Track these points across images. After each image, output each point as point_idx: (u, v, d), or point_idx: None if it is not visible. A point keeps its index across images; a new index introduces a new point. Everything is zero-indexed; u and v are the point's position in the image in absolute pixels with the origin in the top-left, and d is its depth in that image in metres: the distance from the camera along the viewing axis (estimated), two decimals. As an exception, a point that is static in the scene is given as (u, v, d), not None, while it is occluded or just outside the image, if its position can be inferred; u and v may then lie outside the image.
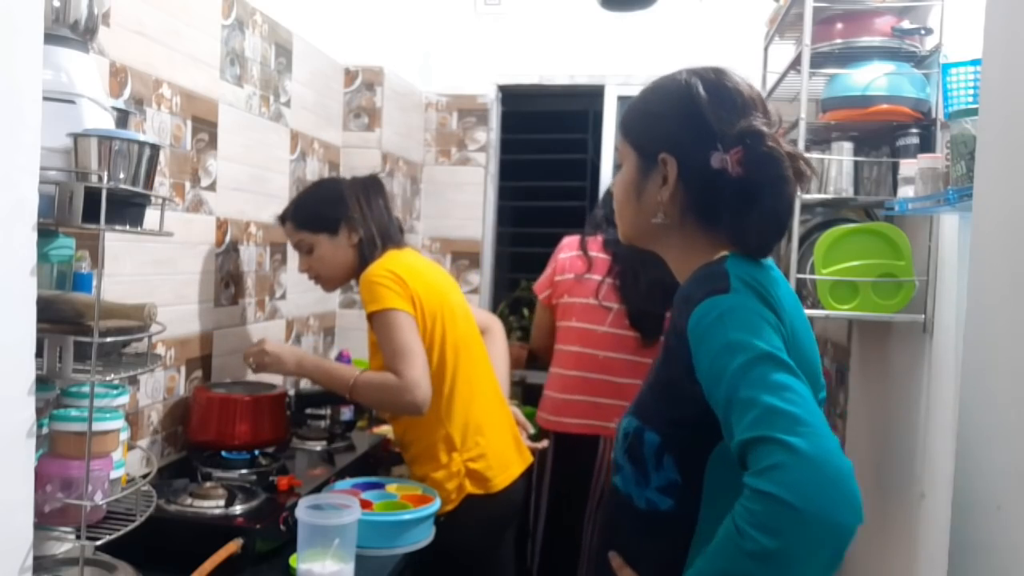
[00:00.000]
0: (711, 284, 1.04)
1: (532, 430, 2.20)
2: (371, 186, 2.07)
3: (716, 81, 1.13)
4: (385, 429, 2.54)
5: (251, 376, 2.29)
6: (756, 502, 0.87)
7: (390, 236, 2.02)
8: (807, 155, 2.09)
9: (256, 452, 1.97)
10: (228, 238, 2.17)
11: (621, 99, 3.32)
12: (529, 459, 2.07)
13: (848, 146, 2.20)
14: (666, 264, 1.20)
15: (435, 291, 1.94)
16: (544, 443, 2.20)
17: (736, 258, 1.08)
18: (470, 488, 1.90)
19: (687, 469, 1.06)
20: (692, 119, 1.10)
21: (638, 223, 1.18)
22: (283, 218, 2.09)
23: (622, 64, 3.30)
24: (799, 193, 2.10)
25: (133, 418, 1.78)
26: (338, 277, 2.04)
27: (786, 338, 1.00)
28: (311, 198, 2.07)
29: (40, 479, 1.13)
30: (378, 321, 1.84)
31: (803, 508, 0.84)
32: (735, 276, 1.03)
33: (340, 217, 1.98)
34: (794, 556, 0.85)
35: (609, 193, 1.28)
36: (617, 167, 1.25)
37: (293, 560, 1.51)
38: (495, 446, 1.97)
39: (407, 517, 1.70)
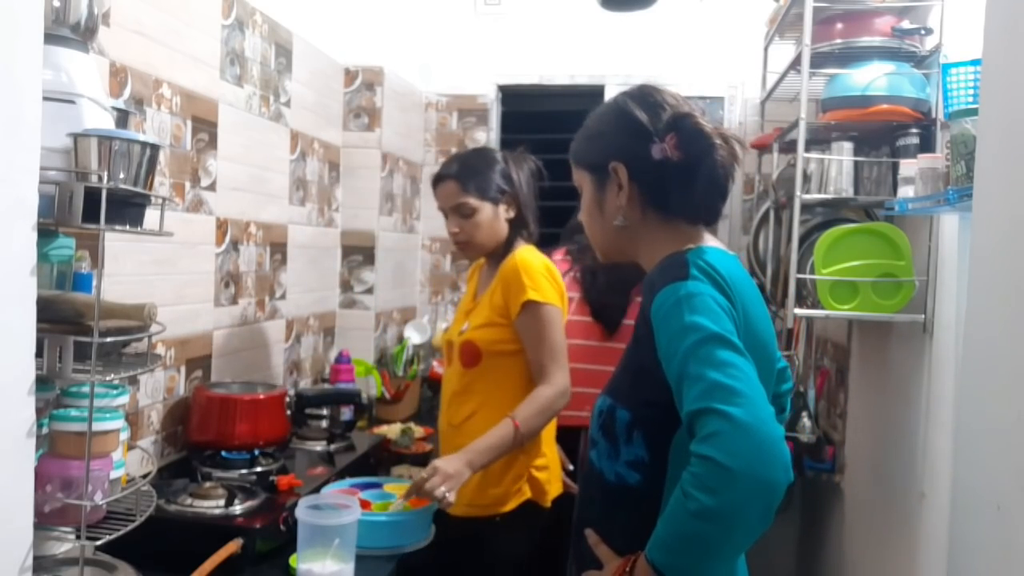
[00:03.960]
0: (672, 272, 1.15)
1: (571, 466, 2.17)
2: (526, 163, 2.03)
3: (642, 92, 1.26)
4: (385, 429, 2.54)
5: (250, 378, 2.29)
6: (698, 466, 1.00)
7: (534, 221, 2.02)
8: (807, 155, 2.13)
9: (256, 452, 1.97)
10: (228, 238, 2.17)
11: (621, 99, 3.32)
12: (561, 489, 2.03)
13: (848, 146, 2.20)
14: (628, 265, 1.30)
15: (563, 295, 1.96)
16: (574, 488, 2.16)
17: (698, 250, 1.20)
18: (529, 495, 1.89)
19: (654, 447, 1.16)
20: (628, 126, 1.23)
21: (607, 234, 1.29)
22: (444, 177, 1.99)
23: (622, 64, 3.30)
24: (799, 195, 2.11)
25: (133, 418, 1.78)
26: (487, 247, 1.98)
27: (738, 321, 1.12)
28: (479, 163, 2.00)
29: (40, 479, 1.13)
30: (537, 312, 1.84)
31: (736, 469, 0.97)
32: (693, 264, 1.15)
33: (506, 189, 1.96)
34: (730, 512, 0.98)
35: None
36: (579, 199, 1.35)
37: (293, 560, 1.51)
38: (553, 463, 1.97)
39: (407, 517, 1.70)
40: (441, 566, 1.84)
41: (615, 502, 1.20)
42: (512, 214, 1.97)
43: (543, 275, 1.87)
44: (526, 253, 1.92)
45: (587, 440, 2.30)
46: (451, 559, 1.84)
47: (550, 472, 1.94)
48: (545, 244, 2.58)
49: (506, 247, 1.95)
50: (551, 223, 2.71)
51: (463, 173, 1.96)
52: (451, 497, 1.70)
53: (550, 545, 2.14)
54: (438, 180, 2.01)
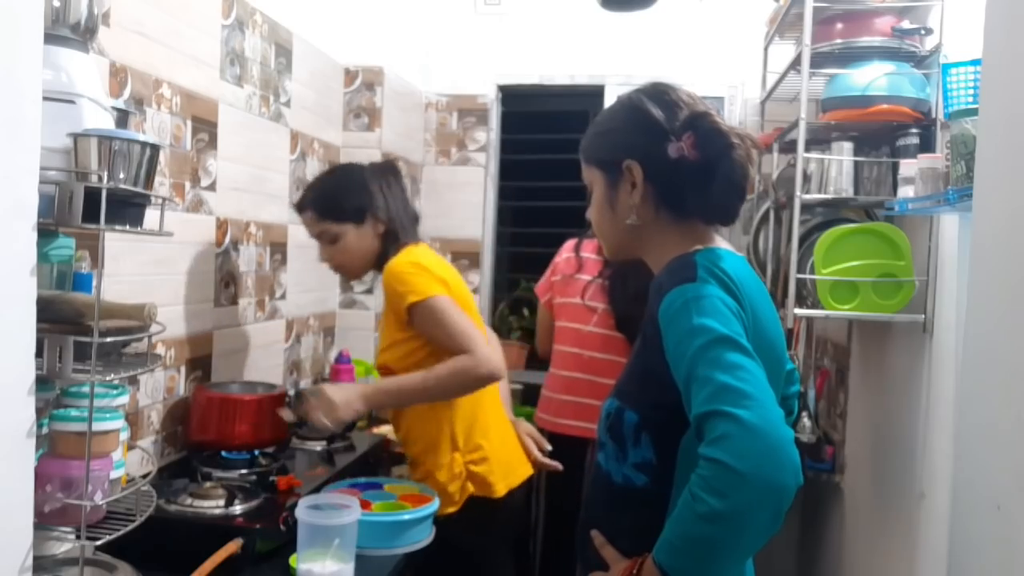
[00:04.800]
0: (680, 274, 1.14)
1: (549, 447, 2.16)
2: (390, 172, 2.02)
3: (656, 89, 1.24)
4: (385, 429, 2.54)
5: (250, 378, 2.29)
6: (706, 469, 0.99)
7: (407, 226, 1.98)
8: (807, 155, 2.13)
9: (256, 452, 1.97)
10: (228, 238, 2.17)
11: (621, 99, 3.32)
12: (530, 471, 2.04)
13: (848, 146, 2.20)
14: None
15: (455, 285, 1.93)
16: (557, 465, 2.16)
17: (706, 251, 1.18)
18: (472, 490, 1.89)
19: (662, 449, 1.15)
20: (643, 123, 1.21)
21: (617, 233, 1.27)
22: (301, 207, 1.99)
23: (622, 64, 3.30)
24: (799, 195, 2.11)
25: (133, 418, 1.78)
26: (362, 267, 1.98)
27: (747, 324, 1.11)
28: (333, 186, 1.99)
29: (40, 479, 1.13)
30: (424, 309, 1.80)
31: (745, 471, 0.96)
32: (702, 266, 1.14)
33: (366, 207, 1.93)
34: (739, 515, 0.97)
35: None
36: (588, 196, 1.33)
37: (293, 560, 1.51)
38: (498, 452, 1.96)
39: (407, 517, 1.70)
40: (441, 566, 1.84)
41: (622, 504, 1.20)
42: (382, 228, 1.94)
43: (412, 273, 1.83)
44: (393, 262, 1.88)
45: (595, 451, 2.31)
46: (447, 561, 1.84)
47: (491, 463, 1.92)
48: (550, 244, 2.60)
49: (384, 261, 1.91)
50: (551, 223, 2.73)
51: (317, 200, 1.96)
52: (327, 421, 1.74)
53: (554, 546, 2.14)
54: (298, 210, 2.01)
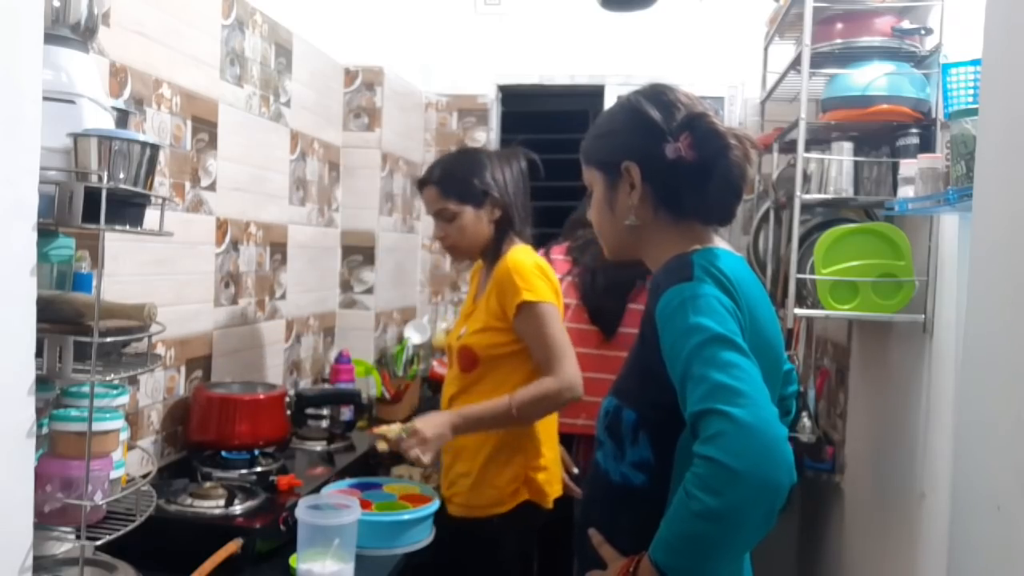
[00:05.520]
0: (677, 273, 1.15)
1: (575, 469, 2.17)
2: (516, 160, 2.03)
3: (655, 91, 1.25)
4: (385, 429, 2.53)
5: (250, 378, 2.29)
6: (701, 467, 1.00)
7: (523, 216, 2.00)
8: (807, 155, 2.13)
9: (256, 452, 1.97)
10: (228, 238, 2.17)
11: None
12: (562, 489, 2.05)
13: (848, 146, 2.20)
14: (625, 264, 1.30)
15: (559, 302, 1.94)
16: (578, 492, 2.17)
17: (704, 251, 1.19)
18: (527, 496, 1.89)
19: (660, 448, 1.15)
20: (641, 125, 1.23)
21: (617, 234, 1.28)
22: (425, 182, 2.00)
23: (622, 64, 3.30)
24: (799, 195, 2.11)
25: (133, 418, 1.78)
26: (473, 249, 1.99)
27: (743, 323, 1.11)
28: (460, 167, 1.99)
29: (40, 479, 1.13)
30: (534, 311, 1.82)
31: (740, 469, 0.97)
32: (699, 266, 1.15)
33: (487, 191, 1.94)
34: (734, 513, 0.98)
35: (589, 196, 1.33)
36: (588, 196, 1.34)
37: (293, 560, 1.52)
38: (554, 463, 1.97)
39: (407, 517, 1.70)
40: (441, 566, 1.84)
41: (620, 503, 1.20)
42: (498, 215, 1.96)
43: (535, 274, 1.86)
44: (518, 254, 1.90)
45: (580, 447, 2.30)
46: (451, 559, 1.84)
47: (550, 473, 1.94)
48: (545, 243, 2.60)
49: (496, 248, 1.94)
50: (550, 223, 2.72)
51: (443, 178, 1.97)
52: (426, 459, 1.75)
53: (553, 545, 2.15)
54: (421, 185, 2.02)
